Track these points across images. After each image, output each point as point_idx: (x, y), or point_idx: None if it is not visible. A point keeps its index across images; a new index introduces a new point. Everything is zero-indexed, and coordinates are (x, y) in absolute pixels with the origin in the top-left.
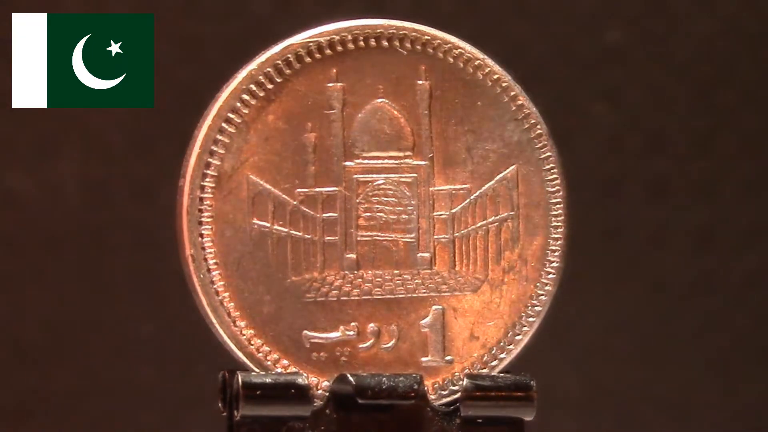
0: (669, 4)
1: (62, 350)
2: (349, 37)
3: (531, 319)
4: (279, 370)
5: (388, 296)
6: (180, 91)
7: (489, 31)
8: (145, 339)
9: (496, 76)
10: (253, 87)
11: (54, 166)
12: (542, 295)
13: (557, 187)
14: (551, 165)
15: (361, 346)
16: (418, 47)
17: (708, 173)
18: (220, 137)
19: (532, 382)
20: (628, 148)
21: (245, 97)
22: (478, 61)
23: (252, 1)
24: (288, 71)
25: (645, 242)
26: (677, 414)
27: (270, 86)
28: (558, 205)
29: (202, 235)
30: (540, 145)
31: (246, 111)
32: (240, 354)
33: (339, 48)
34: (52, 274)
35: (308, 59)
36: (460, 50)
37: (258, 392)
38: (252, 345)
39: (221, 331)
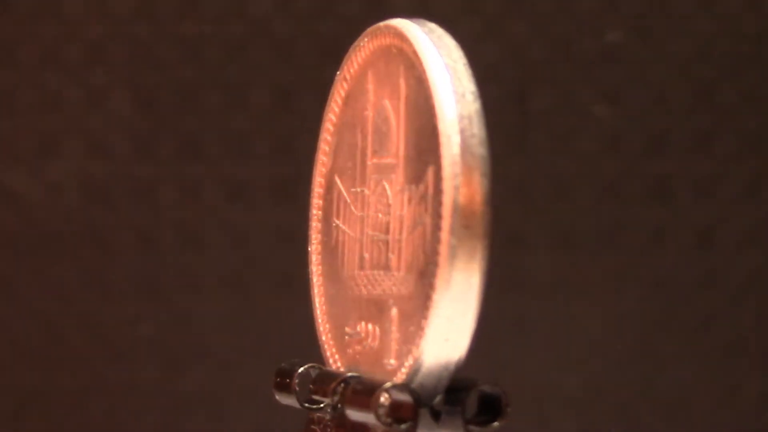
0: (669, 4)
1: (62, 350)
2: (365, 39)
3: (424, 322)
4: (332, 361)
5: (376, 296)
6: (178, 91)
7: (489, 31)
8: (145, 338)
9: (425, 74)
10: (335, 93)
11: (54, 166)
12: (429, 301)
13: (441, 189)
14: (439, 165)
15: (362, 344)
16: (396, 46)
17: (708, 173)
18: (325, 142)
19: (380, 388)
20: (628, 148)
21: (333, 104)
22: (416, 59)
23: (252, 2)
24: (351, 74)
25: (645, 242)
26: (677, 414)
27: (343, 92)
28: (439, 208)
29: (312, 231)
30: (443, 143)
31: (333, 118)
32: (320, 344)
33: (371, 49)
34: (52, 274)
35: (360, 60)
36: (412, 48)
37: (277, 380)
38: (324, 337)
39: (316, 321)
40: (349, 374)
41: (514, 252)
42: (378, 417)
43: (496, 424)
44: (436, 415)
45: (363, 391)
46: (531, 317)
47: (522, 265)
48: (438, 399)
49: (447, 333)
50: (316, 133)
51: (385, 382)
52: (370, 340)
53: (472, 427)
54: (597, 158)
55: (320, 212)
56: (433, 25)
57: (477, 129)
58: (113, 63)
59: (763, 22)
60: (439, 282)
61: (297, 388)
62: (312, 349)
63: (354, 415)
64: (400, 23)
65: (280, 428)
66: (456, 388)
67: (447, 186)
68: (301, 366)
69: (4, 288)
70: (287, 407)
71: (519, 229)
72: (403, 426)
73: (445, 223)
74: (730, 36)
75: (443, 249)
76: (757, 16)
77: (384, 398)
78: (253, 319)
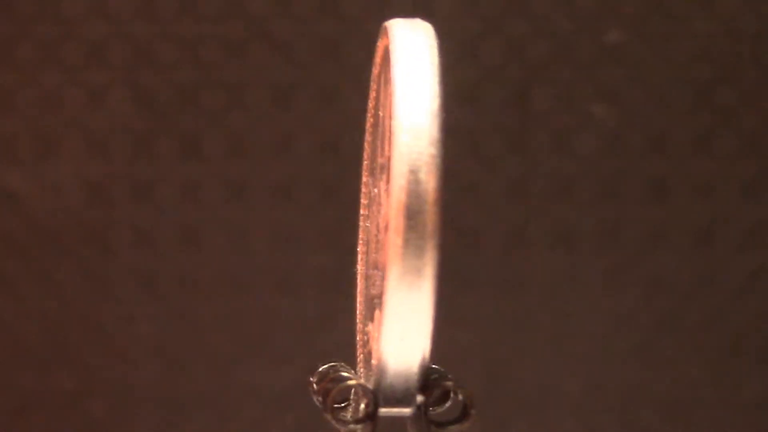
0: (669, 4)
1: (62, 350)
2: (379, 40)
3: (375, 324)
4: (357, 361)
5: (373, 296)
6: (178, 91)
7: (489, 31)
8: (144, 337)
9: (390, 73)
10: (370, 95)
11: (54, 166)
12: (377, 300)
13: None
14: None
15: (368, 344)
16: (388, 46)
17: (708, 173)
18: (367, 142)
19: (335, 389)
20: (628, 148)
21: (370, 105)
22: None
23: (252, 2)
24: (374, 74)
25: (645, 242)
26: (677, 414)
27: (373, 93)
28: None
29: (360, 230)
30: (393, 142)
31: (370, 119)
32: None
33: (381, 49)
34: (52, 274)
35: (378, 60)
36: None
37: (309, 379)
38: (357, 337)
39: (356, 321)
40: (341, 374)
41: (514, 252)
42: (333, 417)
43: (453, 426)
44: (422, 415)
45: (328, 391)
46: (531, 317)
47: (522, 265)
48: (420, 399)
49: (401, 333)
50: (317, 133)
51: (343, 383)
52: (370, 339)
53: (434, 428)
54: (597, 158)
55: (365, 212)
56: (422, 24)
57: (429, 129)
58: (113, 63)
59: (762, 22)
60: (388, 283)
61: (315, 387)
62: (314, 349)
63: (326, 415)
64: (389, 23)
65: (280, 428)
66: (433, 388)
67: (393, 185)
68: (322, 366)
69: (4, 288)
70: (286, 407)
71: (519, 229)
72: (359, 426)
73: (391, 222)
74: (729, 36)
75: (389, 249)
76: (757, 16)
77: (337, 397)
78: (253, 319)
